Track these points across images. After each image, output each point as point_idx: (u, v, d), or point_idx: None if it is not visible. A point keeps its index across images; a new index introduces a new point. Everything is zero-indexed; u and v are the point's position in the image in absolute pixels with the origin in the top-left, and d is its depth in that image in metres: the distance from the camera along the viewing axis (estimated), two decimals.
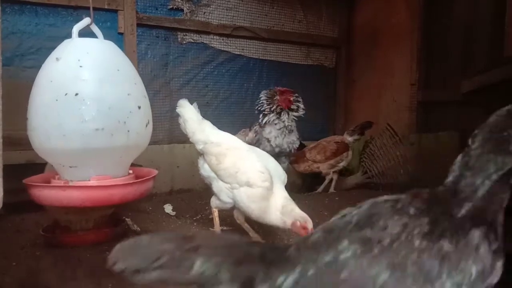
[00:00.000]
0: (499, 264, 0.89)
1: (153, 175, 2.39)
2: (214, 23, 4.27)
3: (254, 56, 4.59)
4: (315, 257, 0.90)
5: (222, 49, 4.39)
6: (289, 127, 3.29)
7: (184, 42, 4.18)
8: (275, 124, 3.26)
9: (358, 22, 5.00)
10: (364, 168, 4.21)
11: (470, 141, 1.00)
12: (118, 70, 2.18)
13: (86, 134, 2.03)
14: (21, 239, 2.31)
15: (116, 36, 3.74)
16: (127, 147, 2.20)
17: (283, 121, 3.26)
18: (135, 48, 3.83)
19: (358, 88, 5.00)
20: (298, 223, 2.02)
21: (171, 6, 4.04)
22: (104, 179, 2.17)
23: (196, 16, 4.17)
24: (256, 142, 3.24)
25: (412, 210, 0.92)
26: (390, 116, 4.31)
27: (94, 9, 3.58)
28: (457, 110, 3.63)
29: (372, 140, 4.20)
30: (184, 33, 4.16)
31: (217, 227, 2.31)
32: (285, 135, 3.28)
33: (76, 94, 2.02)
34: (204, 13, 4.23)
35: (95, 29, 2.30)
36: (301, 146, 4.18)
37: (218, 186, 2.26)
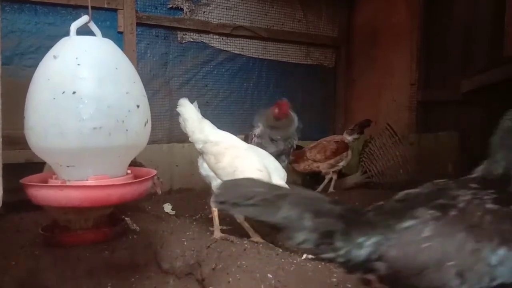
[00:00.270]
0: None
1: (151, 175, 2.37)
2: (214, 22, 4.27)
3: (253, 56, 4.59)
4: (394, 221, 0.99)
5: (222, 48, 4.39)
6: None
7: (184, 41, 4.18)
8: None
9: (358, 22, 5.00)
10: (364, 167, 4.21)
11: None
12: (116, 68, 2.15)
13: (84, 133, 2.00)
14: (20, 239, 2.30)
15: (115, 35, 3.74)
16: (125, 146, 2.18)
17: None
18: (135, 47, 3.83)
19: (358, 87, 5.00)
20: None
21: (170, 5, 4.04)
22: (102, 179, 2.14)
23: (195, 15, 4.17)
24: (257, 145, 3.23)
25: (473, 185, 1.03)
26: (390, 115, 4.31)
27: (94, 8, 3.59)
28: (457, 110, 3.64)
29: (372, 140, 4.20)
30: (184, 32, 4.16)
31: (216, 226, 2.31)
32: (285, 139, 3.28)
33: (74, 93, 1.99)
34: (204, 12, 4.22)
35: (93, 27, 2.28)
36: (298, 148, 4.18)
37: (217, 185, 2.26)
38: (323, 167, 3.88)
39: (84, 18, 2.23)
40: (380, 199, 3.01)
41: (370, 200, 3.00)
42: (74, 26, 2.17)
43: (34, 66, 2.18)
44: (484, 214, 0.93)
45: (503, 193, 1.00)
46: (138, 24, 3.83)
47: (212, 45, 4.33)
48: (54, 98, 2.00)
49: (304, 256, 2.07)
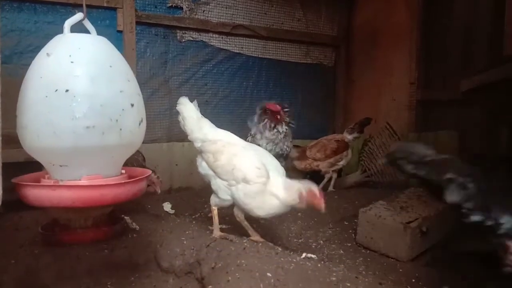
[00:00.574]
0: None
1: (146, 175, 2.36)
2: (213, 21, 4.27)
3: (253, 55, 4.59)
4: None
5: (221, 47, 4.39)
6: (282, 133, 3.36)
7: (183, 40, 4.18)
8: (267, 133, 3.33)
9: (357, 21, 5.00)
10: (363, 166, 4.21)
11: None
12: (110, 66, 2.13)
13: (77, 132, 1.98)
14: (20, 237, 2.30)
15: (115, 34, 3.74)
16: (119, 146, 2.15)
17: (275, 130, 3.32)
18: (134, 46, 3.82)
19: (358, 87, 5.01)
20: (304, 193, 1.99)
21: (170, 4, 4.04)
22: (96, 178, 2.12)
23: (195, 14, 4.17)
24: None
25: None
26: (389, 115, 4.32)
27: (93, 6, 3.62)
28: (457, 109, 3.64)
29: (371, 139, 4.21)
30: (183, 31, 4.16)
31: (216, 225, 2.31)
32: (279, 140, 3.32)
33: (67, 91, 1.97)
34: (203, 11, 4.22)
35: (88, 25, 2.25)
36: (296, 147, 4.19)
37: (216, 183, 2.26)
38: (323, 166, 3.88)
39: (78, 16, 2.20)
40: (380, 198, 3.01)
41: (370, 199, 3.02)
42: (68, 23, 2.15)
43: None
44: None
45: None
46: (137, 23, 3.83)
47: (211, 44, 4.33)
48: (46, 96, 1.97)
49: (304, 255, 2.07)
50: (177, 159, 4.04)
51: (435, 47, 4.01)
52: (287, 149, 3.45)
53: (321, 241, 2.65)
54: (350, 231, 2.79)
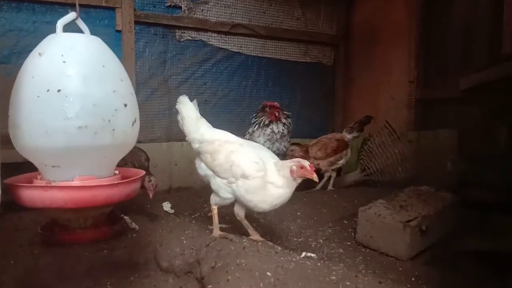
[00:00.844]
0: None
1: (139, 176, 2.34)
2: (212, 20, 4.26)
3: (252, 54, 4.59)
4: None
5: (221, 46, 4.39)
6: (279, 133, 3.54)
7: (182, 39, 4.17)
8: (264, 130, 3.53)
9: (356, 20, 5.00)
10: (363, 165, 4.21)
11: None
12: (103, 66, 2.11)
13: (69, 132, 1.96)
14: (19, 238, 2.30)
15: (114, 34, 3.74)
16: (112, 146, 2.13)
17: (271, 128, 3.54)
18: (133, 45, 3.82)
19: (357, 85, 5.01)
20: (294, 167, 2.08)
21: (169, 4, 4.04)
22: (88, 179, 2.11)
23: (194, 14, 4.17)
24: None
25: None
26: (389, 113, 4.32)
27: (92, 6, 3.61)
28: (456, 108, 3.64)
29: (371, 138, 4.21)
30: (182, 31, 4.15)
31: (216, 224, 2.31)
32: (276, 139, 3.52)
33: (59, 91, 1.95)
34: (202, 10, 4.22)
35: (81, 24, 2.24)
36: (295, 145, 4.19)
37: (216, 183, 2.26)
38: (323, 164, 3.88)
39: (71, 15, 2.19)
40: (379, 197, 3.02)
41: (369, 198, 3.02)
42: (61, 23, 2.13)
43: None
44: None
45: None
46: (136, 23, 3.83)
47: (210, 43, 4.33)
48: (38, 96, 1.95)
49: (303, 254, 2.07)
50: (176, 158, 4.03)
51: (434, 46, 4.02)
52: (284, 149, 3.58)
53: (321, 240, 2.65)
54: (350, 230, 2.79)
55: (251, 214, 2.41)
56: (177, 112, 2.46)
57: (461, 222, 2.75)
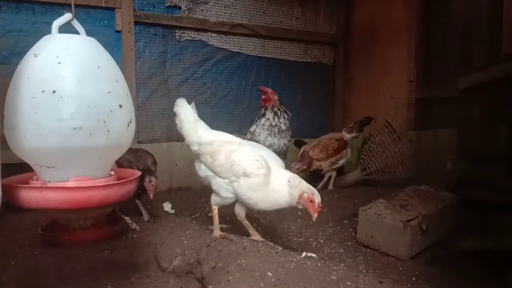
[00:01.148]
0: None
1: (135, 177, 2.33)
2: (212, 20, 4.26)
3: (252, 54, 4.59)
4: None
5: (220, 46, 4.39)
6: (277, 126, 3.43)
7: (182, 39, 4.17)
8: (262, 124, 3.43)
9: (356, 20, 5.00)
10: (363, 165, 4.21)
11: None
12: (98, 67, 2.11)
13: (64, 133, 1.96)
14: (20, 238, 2.30)
15: (113, 34, 3.74)
16: (107, 147, 2.12)
17: (268, 119, 3.43)
18: (133, 46, 3.82)
19: (356, 85, 5.01)
20: (305, 195, 2.03)
21: (168, 4, 4.03)
22: (84, 180, 2.10)
23: (193, 14, 4.17)
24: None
25: None
26: (388, 113, 4.32)
27: (91, 7, 3.61)
28: (455, 107, 3.64)
29: (371, 137, 4.21)
30: (182, 31, 4.15)
31: (216, 225, 2.31)
32: (274, 134, 3.41)
33: (54, 92, 1.95)
34: (202, 10, 4.22)
35: (76, 25, 2.24)
36: (299, 143, 4.19)
37: (216, 183, 2.26)
38: (325, 165, 3.87)
39: (67, 16, 2.19)
40: (380, 196, 3.02)
41: (370, 197, 3.02)
42: (56, 24, 2.13)
43: None
44: None
45: None
46: (136, 23, 3.83)
47: (210, 43, 4.33)
48: (33, 97, 1.95)
49: (304, 254, 2.07)
50: (176, 159, 4.03)
51: (434, 45, 4.02)
52: (284, 147, 3.49)
53: (321, 240, 2.65)
54: (350, 229, 2.79)
55: (251, 214, 2.41)
56: (175, 114, 2.46)
57: (461, 221, 2.75)
